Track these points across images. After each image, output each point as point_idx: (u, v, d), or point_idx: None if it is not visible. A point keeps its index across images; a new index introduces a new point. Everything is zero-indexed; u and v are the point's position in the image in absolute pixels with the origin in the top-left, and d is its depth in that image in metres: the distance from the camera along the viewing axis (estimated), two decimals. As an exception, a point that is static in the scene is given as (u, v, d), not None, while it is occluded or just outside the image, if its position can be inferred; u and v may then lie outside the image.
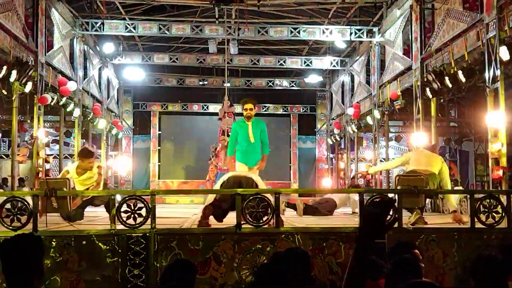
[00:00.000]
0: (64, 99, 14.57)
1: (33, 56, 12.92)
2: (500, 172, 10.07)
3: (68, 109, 15.18)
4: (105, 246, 5.97)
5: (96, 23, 16.75)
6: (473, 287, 3.82)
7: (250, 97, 8.94)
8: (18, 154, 14.15)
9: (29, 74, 11.91)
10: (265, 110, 24.80)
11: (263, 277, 3.26)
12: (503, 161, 10.11)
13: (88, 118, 17.33)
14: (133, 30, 17.09)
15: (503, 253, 4.29)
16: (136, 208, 6.20)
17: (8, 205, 6.25)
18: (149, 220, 6.13)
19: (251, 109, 8.47)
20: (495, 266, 3.74)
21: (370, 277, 4.01)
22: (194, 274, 4.31)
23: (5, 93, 11.88)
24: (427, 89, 13.05)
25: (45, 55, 13.57)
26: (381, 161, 18.09)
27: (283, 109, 25.51)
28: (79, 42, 16.89)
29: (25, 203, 6.21)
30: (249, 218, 6.26)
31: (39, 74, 13.08)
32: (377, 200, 4.34)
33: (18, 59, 11.59)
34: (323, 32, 17.30)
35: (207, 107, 24.88)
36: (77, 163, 8.26)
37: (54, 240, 5.93)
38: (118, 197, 6.86)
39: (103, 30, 16.87)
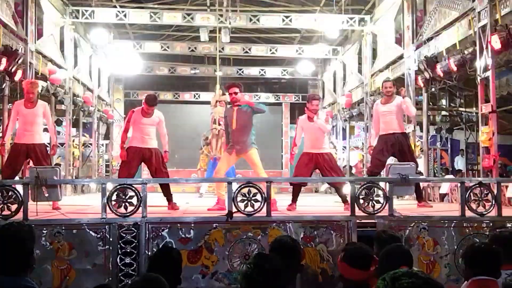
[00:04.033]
0: (54, 88, 14.49)
1: (23, 44, 12.81)
2: (491, 161, 10.12)
3: (59, 98, 15.10)
4: (96, 235, 5.96)
5: (87, 11, 16.61)
6: (466, 276, 3.84)
7: (234, 81, 8.74)
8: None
9: (19, 62, 11.83)
10: (257, 99, 24.73)
11: (258, 266, 3.26)
12: (494, 150, 10.16)
13: (79, 107, 17.26)
14: (124, 18, 16.95)
15: (494, 242, 4.31)
16: (127, 197, 6.19)
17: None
18: (140, 209, 6.11)
19: (235, 93, 8.28)
20: (488, 254, 3.77)
21: (359, 266, 4.02)
22: (180, 262, 4.30)
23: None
24: (419, 78, 13.07)
25: (35, 43, 13.46)
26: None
27: (275, 98, 25.48)
28: (70, 30, 16.75)
29: (15, 191, 6.18)
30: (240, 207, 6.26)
31: (29, 62, 12.98)
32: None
33: (7, 47, 11.49)
34: (315, 20, 17.26)
35: (199, 96, 24.82)
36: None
37: (44, 228, 5.90)
38: (110, 186, 6.83)
39: (93, 18, 16.73)
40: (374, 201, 6.41)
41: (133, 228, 6.00)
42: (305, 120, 8.91)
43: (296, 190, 8.81)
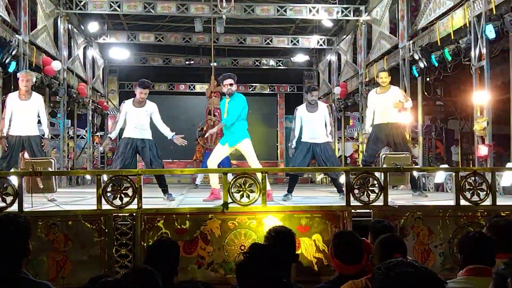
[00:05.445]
0: (48, 79, 14.44)
1: (17, 35, 12.73)
2: (485, 150, 10.16)
3: (53, 89, 15.05)
4: (91, 226, 5.95)
5: (80, 1, 16.55)
6: (461, 264, 3.86)
7: (228, 73, 8.64)
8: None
9: (13, 53, 11.77)
10: (252, 90, 24.72)
11: (254, 256, 3.27)
12: (488, 139, 10.20)
13: (73, 98, 17.20)
14: (118, 9, 16.89)
15: (489, 231, 4.34)
16: (122, 188, 6.17)
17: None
18: (135, 200, 6.10)
19: (230, 84, 8.28)
20: (482, 243, 3.78)
21: (351, 262, 4.04)
22: (177, 253, 4.31)
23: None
24: (414, 68, 13.08)
25: (28, 34, 13.38)
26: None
27: (270, 88, 25.46)
28: (63, 21, 16.67)
29: (10, 183, 6.16)
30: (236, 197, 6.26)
31: (23, 53, 12.91)
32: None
33: (1, 39, 11.42)
34: (310, 10, 17.23)
35: (194, 87, 24.78)
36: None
37: (40, 220, 5.89)
38: (105, 177, 6.82)
39: (87, 8, 16.67)
40: (369, 191, 6.42)
41: (128, 219, 6.00)
42: (303, 109, 8.91)
43: (293, 180, 8.85)
